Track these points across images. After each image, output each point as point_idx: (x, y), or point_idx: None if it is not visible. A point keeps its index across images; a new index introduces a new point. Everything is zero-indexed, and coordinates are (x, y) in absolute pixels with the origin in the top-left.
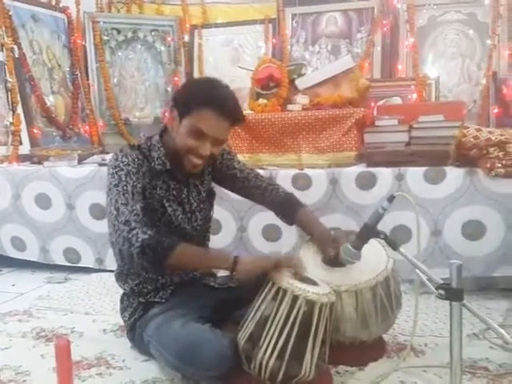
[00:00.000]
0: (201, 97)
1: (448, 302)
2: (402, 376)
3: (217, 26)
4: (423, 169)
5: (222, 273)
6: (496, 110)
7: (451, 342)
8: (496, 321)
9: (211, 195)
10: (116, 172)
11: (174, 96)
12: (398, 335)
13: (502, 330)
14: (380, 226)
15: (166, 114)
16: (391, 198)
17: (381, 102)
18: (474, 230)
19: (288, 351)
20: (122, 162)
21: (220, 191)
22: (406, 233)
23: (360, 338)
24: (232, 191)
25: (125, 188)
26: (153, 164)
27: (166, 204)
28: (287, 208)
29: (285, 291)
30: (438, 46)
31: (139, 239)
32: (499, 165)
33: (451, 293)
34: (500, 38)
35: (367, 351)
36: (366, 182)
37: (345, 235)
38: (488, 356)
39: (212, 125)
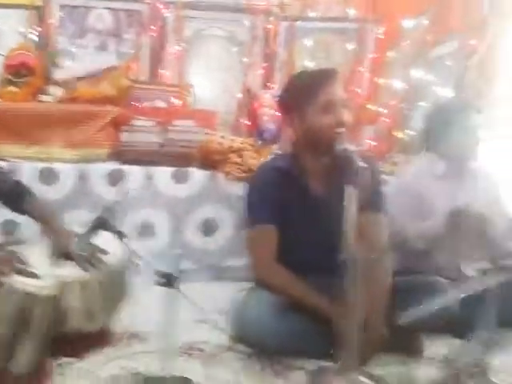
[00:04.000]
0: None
1: (168, 289)
2: (124, 362)
3: None
4: (172, 169)
5: None
6: (247, 122)
7: (167, 328)
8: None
9: None
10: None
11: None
12: (121, 324)
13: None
14: (129, 222)
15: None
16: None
17: (143, 104)
18: (208, 227)
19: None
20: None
21: None
22: (149, 229)
23: (85, 329)
24: None
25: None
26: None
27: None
28: (14, 195)
29: (1, 284)
30: (201, 58)
31: None
32: (237, 169)
33: (170, 280)
34: (254, 58)
35: (92, 341)
36: (116, 179)
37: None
38: (206, 339)
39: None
